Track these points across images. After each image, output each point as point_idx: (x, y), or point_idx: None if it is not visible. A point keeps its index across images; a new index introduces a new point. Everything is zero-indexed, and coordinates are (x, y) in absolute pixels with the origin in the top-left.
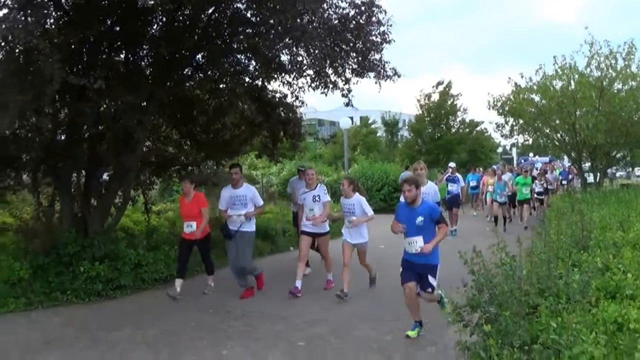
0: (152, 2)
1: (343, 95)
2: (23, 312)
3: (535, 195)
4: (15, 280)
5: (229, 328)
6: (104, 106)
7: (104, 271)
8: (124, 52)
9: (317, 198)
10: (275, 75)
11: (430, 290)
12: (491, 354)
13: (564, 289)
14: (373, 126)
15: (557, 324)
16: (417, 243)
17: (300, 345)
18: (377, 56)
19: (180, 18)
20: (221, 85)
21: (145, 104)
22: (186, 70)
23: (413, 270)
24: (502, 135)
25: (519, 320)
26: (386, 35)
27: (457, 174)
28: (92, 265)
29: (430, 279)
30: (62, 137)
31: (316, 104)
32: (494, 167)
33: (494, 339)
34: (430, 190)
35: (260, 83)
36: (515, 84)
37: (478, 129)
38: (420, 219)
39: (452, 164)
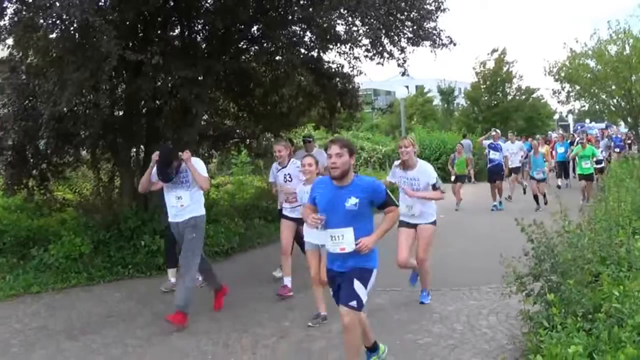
0: None
1: (399, 65)
2: (85, 286)
3: (595, 165)
4: (76, 256)
5: (290, 300)
6: (160, 81)
7: (164, 245)
8: (178, 27)
9: (288, 177)
10: (331, 46)
11: (354, 304)
12: (554, 323)
13: (625, 257)
14: (429, 95)
15: (620, 292)
16: (345, 238)
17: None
18: (432, 24)
19: None
20: (277, 57)
21: (202, 78)
22: (242, 43)
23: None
24: (558, 102)
25: (582, 289)
26: (440, 4)
27: (500, 142)
28: (152, 239)
29: (357, 285)
30: (120, 113)
31: (371, 73)
32: (550, 133)
33: (557, 308)
34: (422, 174)
35: (316, 54)
36: (571, 49)
37: (534, 95)
38: (353, 201)
39: (495, 130)
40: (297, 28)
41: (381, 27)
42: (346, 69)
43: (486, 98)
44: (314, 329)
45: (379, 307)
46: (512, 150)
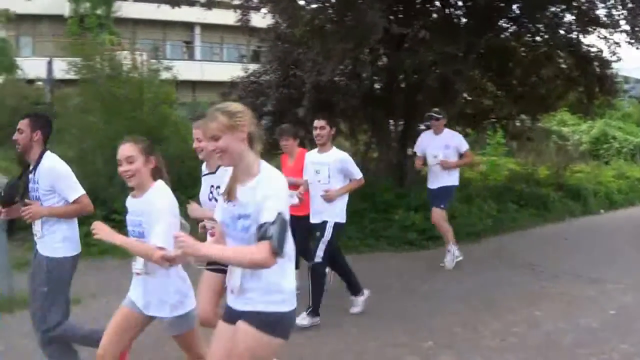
0: None
1: None
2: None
3: None
4: None
5: (540, 289)
6: (421, 56)
7: (418, 221)
8: (438, 2)
9: (216, 191)
10: (591, 29)
11: None
12: None
13: None
14: None
15: None
16: None
17: (611, 314)
18: None
19: None
20: (537, 38)
21: (463, 54)
22: (501, 21)
23: None
24: None
25: None
26: None
27: None
28: (407, 214)
29: None
30: (379, 86)
31: (623, 59)
32: None
33: None
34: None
35: (575, 36)
36: None
37: None
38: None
39: None
40: (557, 9)
41: None
42: (605, 54)
43: None
44: (563, 321)
45: (627, 305)
46: None
